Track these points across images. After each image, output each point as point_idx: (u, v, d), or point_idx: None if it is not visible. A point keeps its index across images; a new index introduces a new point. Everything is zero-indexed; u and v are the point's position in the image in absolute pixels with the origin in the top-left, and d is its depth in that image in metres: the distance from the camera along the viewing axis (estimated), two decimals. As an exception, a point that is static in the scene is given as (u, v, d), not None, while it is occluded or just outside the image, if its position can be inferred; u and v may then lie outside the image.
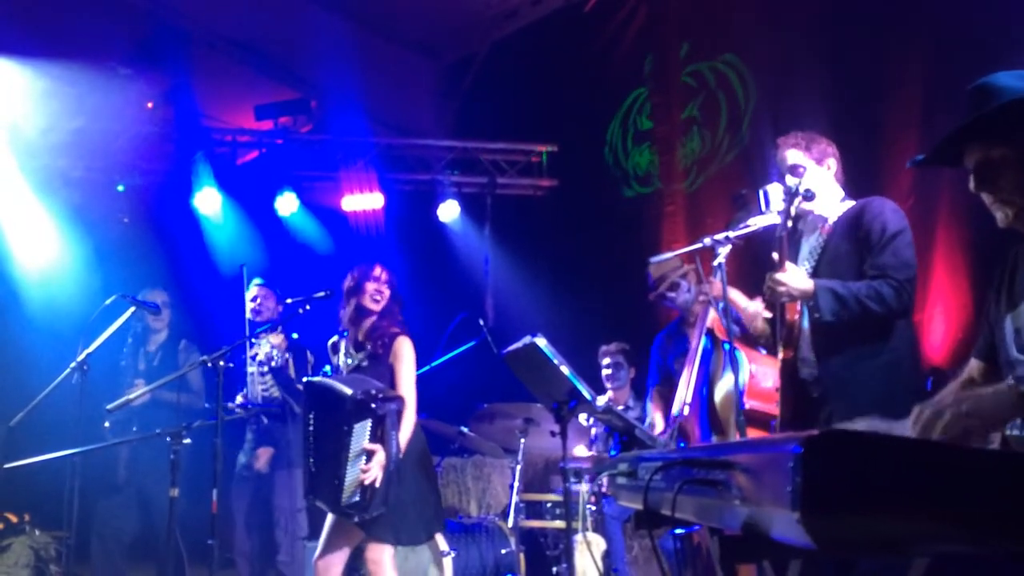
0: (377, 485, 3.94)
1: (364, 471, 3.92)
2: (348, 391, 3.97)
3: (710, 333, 3.44)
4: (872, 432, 1.61)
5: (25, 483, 6.06)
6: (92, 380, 4.87)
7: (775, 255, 3.24)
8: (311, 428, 4.16)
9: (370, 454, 3.94)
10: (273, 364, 5.26)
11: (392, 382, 4.19)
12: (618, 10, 8.13)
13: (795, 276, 3.21)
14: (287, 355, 5.41)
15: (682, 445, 4.19)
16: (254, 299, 5.64)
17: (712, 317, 3.90)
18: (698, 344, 3.97)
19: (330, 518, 4.21)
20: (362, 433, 3.96)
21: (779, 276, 3.19)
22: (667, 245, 7.19)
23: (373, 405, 3.95)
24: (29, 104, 7.16)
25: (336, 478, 3.96)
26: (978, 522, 1.26)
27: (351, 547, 4.22)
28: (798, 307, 3.31)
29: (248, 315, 5.54)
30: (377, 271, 4.37)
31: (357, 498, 3.94)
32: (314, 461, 4.14)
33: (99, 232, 7.94)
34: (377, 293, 4.34)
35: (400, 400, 4.10)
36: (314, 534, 5.23)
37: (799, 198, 3.26)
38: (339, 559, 4.16)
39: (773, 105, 6.61)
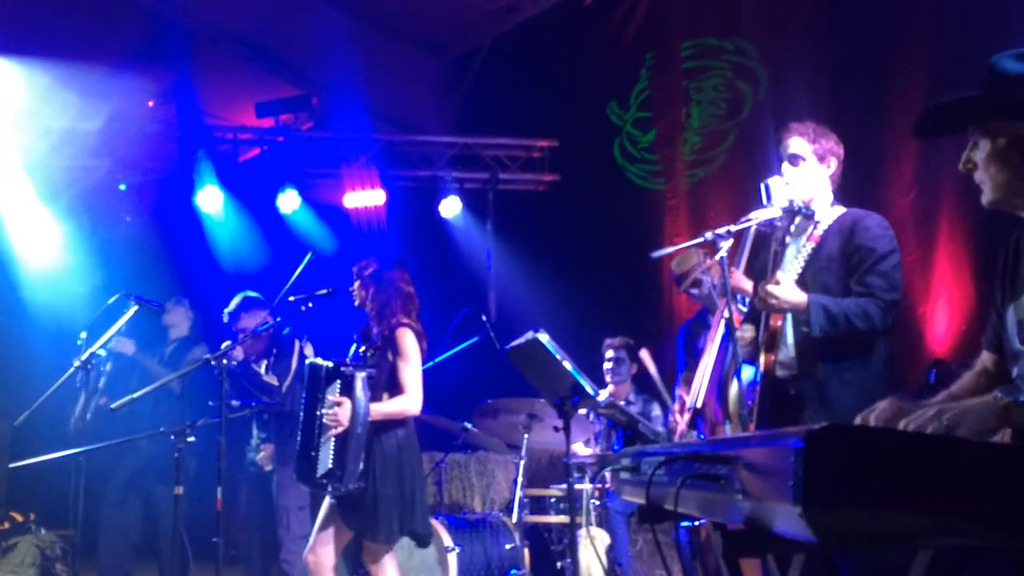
0: (332, 433, 4.01)
1: (328, 416, 4.02)
2: (324, 363, 4.13)
3: (729, 324, 3.44)
4: (872, 426, 1.62)
5: (30, 482, 6.10)
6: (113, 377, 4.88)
7: (770, 267, 3.24)
8: (302, 410, 4.24)
9: (334, 406, 4.03)
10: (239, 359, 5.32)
11: (394, 374, 4.20)
12: (619, 4, 8.12)
13: (789, 290, 3.20)
14: (272, 349, 5.48)
15: (701, 436, 4.20)
16: (242, 330, 5.62)
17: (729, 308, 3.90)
18: (715, 335, 3.97)
19: (322, 511, 4.22)
20: (332, 395, 4.08)
21: (771, 288, 3.18)
22: (669, 239, 7.19)
23: (342, 369, 4.08)
24: (31, 103, 7.17)
25: (312, 449, 4.06)
26: (979, 515, 1.26)
27: (341, 543, 4.22)
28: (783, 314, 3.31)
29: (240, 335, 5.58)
30: (355, 270, 4.42)
31: (331, 464, 4.00)
32: (300, 439, 4.20)
33: (101, 231, 7.95)
34: (356, 292, 4.39)
35: (375, 371, 4.15)
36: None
37: (799, 216, 3.26)
38: (329, 554, 4.15)
39: (775, 98, 6.60)
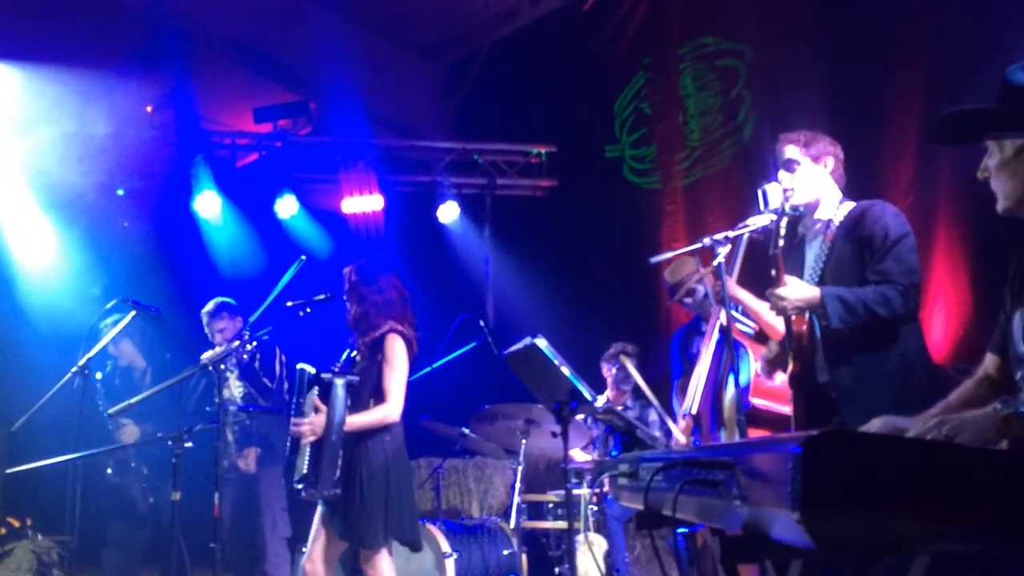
0: (305, 440, 4.05)
1: (303, 424, 4.05)
2: (308, 368, 4.17)
3: (724, 331, 3.44)
4: (870, 432, 1.62)
5: (27, 488, 6.07)
6: (92, 385, 4.89)
7: (773, 272, 3.22)
8: (292, 415, 4.26)
9: (311, 413, 4.07)
10: (244, 358, 5.31)
11: (379, 379, 4.19)
12: (617, 9, 8.13)
13: (797, 289, 3.18)
14: (256, 354, 5.47)
15: (698, 443, 4.20)
16: (220, 331, 5.60)
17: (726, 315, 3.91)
18: (709, 341, 3.98)
19: (315, 520, 4.22)
20: (310, 402, 4.12)
21: (780, 291, 3.16)
22: (667, 244, 7.19)
23: (322, 375, 4.12)
24: (29, 109, 7.16)
25: (294, 454, 4.14)
26: (976, 520, 1.26)
27: (337, 550, 4.22)
28: (806, 317, 3.29)
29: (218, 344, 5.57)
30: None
31: (306, 470, 4.05)
32: (289, 446, 4.24)
33: (99, 236, 7.94)
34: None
35: (356, 378, 4.17)
36: (298, 535, 5.24)
37: (785, 218, 3.25)
38: (326, 562, 4.16)
39: (772, 102, 6.61)
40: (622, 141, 8.07)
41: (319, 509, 4.21)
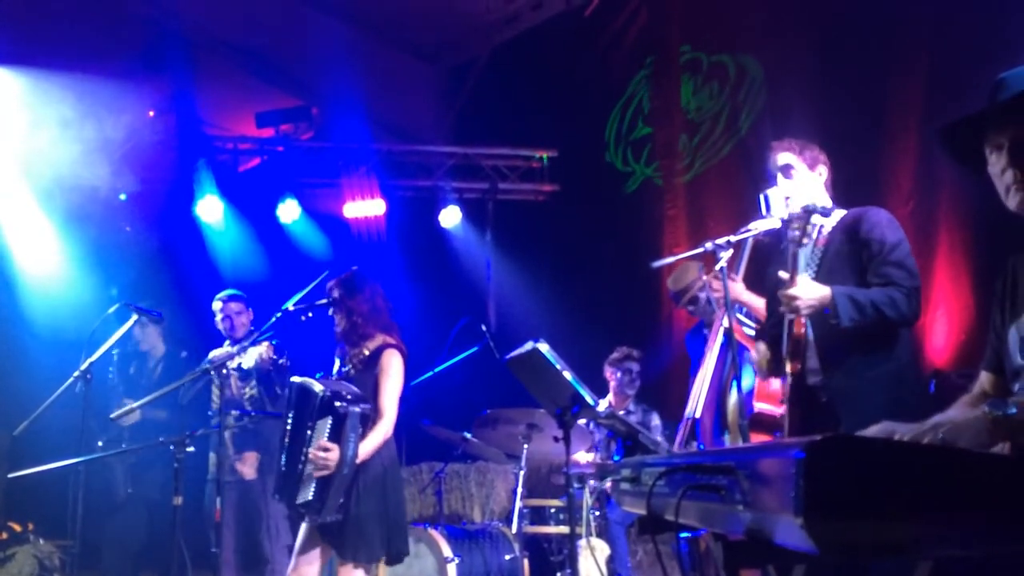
0: (317, 475, 3.90)
1: (310, 460, 3.90)
2: (319, 389, 3.99)
3: (728, 335, 3.44)
4: (873, 437, 1.62)
5: (29, 492, 6.08)
6: (95, 390, 4.89)
7: (782, 273, 3.21)
8: (287, 428, 4.14)
9: (323, 450, 3.89)
10: (268, 368, 5.27)
11: (375, 393, 4.15)
12: (619, 14, 8.14)
13: (809, 288, 3.17)
14: (281, 360, 5.44)
15: (701, 446, 4.20)
16: (225, 319, 5.62)
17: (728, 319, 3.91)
18: (712, 345, 3.98)
19: (302, 531, 4.17)
20: (322, 431, 3.94)
21: (792, 291, 3.15)
22: (668, 248, 7.19)
23: (337, 403, 3.93)
24: (31, 113, 7.18)
25: (296, 477, 3.97)
26: (979, 524, 1.26)
27: (323, 560, 4.16)
28: (803, 320, 3.29)
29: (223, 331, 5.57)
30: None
31: (311, 497, 3.91)
32: (284, 460, 4.11)
33: (101, 240, 7.95)
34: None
35: (369, 406, 4.03)
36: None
37: (816, 215, 3.24)
38: (314, 572, 4.10)
39: (772, 104, 6.62)
40: (637, 171, 8.06)
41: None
